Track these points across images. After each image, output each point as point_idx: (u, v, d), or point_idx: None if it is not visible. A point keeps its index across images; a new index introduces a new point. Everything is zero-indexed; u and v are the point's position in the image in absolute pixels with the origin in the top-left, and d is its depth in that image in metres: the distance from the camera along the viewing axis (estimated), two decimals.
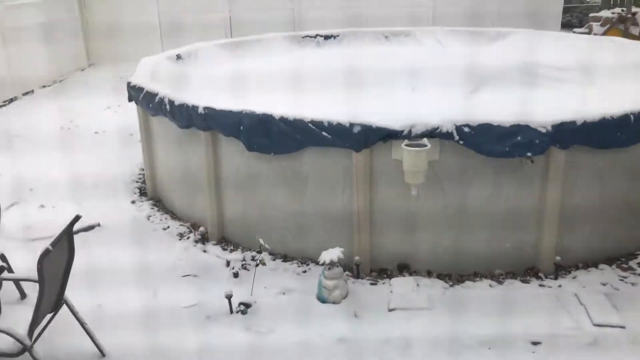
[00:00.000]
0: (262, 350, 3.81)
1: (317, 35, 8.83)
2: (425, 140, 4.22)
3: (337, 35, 8.88)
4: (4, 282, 4.23)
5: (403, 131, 4.24)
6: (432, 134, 4.24)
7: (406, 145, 4.17)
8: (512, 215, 4.50)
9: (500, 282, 4.50)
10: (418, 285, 4.44)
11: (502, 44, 8.61)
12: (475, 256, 4.60)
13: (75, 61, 14.39)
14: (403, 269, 4.68)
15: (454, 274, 4.59)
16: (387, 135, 4.29)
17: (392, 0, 14.82)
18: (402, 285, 4.44)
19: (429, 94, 5.38)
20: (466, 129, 4.22)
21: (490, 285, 4.46)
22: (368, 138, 4.31)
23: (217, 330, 4.04)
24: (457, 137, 4.23)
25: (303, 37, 8.80)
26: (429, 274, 4.62)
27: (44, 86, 12.55)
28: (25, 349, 3.20)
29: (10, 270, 4.18)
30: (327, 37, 8.84)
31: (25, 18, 12.19)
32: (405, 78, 6.61)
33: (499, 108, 4.45)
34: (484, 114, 4.35)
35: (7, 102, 11.12)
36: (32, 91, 12.06)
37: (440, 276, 4.59)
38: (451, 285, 4.47)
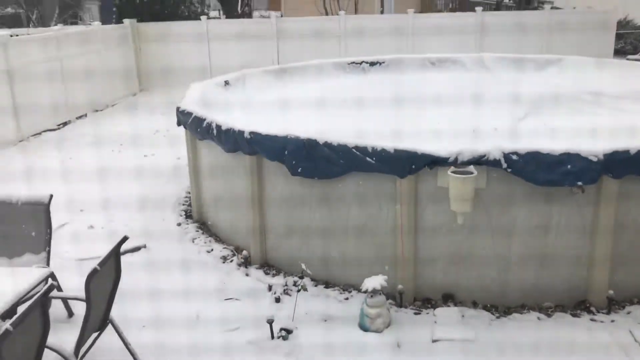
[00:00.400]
0: None
1: (362, 61, 8.89)
2: (471, 168, 4.15)
3: (383, 62, 8.92)
4: (54, 301, 4.34)
5: (449, 158, 4.19)
6: (479, 161, 4.17)
7: (452, 172, 4.12)
8: (562, 246, 4.36)
9: (549, 316, 4.35)
10: (463, 316, 4.33)
11: (551, 71, 8.48)
12: (523, 287, 4.46)
13: (127, 86, 14.88)
14: (448, 299, 4.58)
15: (501, 306, 4.46)
16: (433, 162, 4.24)
17: (439, 28, 14.84)
18: (446, 315, 4.34)
19: (476, 120, 5.32)
20: (514, 157, 4.14)
21: (539, 319, 4.31)
22: (413, 164, 4.27)
23: (258, 355, 4.02)
24: (504, 165, 4.15)
25: (349, 64, 8.88)
26: (474, 304, 4.50)
27: (96, 110, 13.00)
28: None
29: (59, 289, 4.29)
30: (372, 64, 8.89)
31: (80, 47, 12.72)
32: (451, 105, 6.58)
33: (548, 135, 4.36)
34: (533, 141, 4.26)
35: (61, 126, 11.56)
36: (85, 115, 12.50)
37: (486, 307, 4.47)
38: (497, 317, 4.34)
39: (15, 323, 2.65)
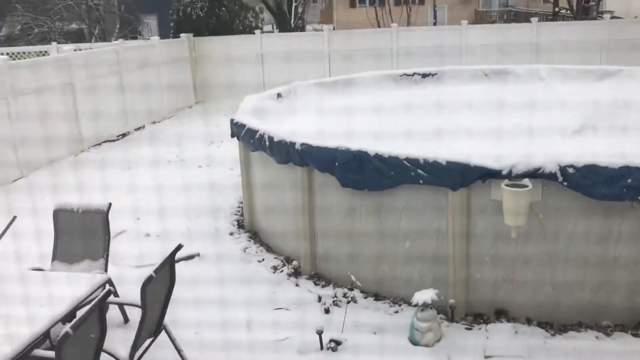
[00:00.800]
0: None
1: (414, 73, 8.84)
2: (526, 181, 4.06)
3: (435, 74, 8.84)
4: (110, 306, 4.48)
5: (502, 170, 4.11)
6: (534, 174, 4.08)
7: (506, 185, 4.04)
8: (622, 262, 4.20)
9: (609, 335, 4.18)
10: (517, 332, 4.22)
11: (609, 82, 8.21)
12: (580, 305, 4.32)
13: (184, 99, 15.28)
14: (500, 314, 4.47)
15: (556, 323, 4.32)
16: (486, 175, 4.17)
17: (493, 40, 14.63)
18: (499, 331, 4.24)
19: (531, 132, 5.21)
20: (571, 170, 4.03)
21: (597, 338, 4.15)
22: (465, 177, 4.21)
23: None
24: (561, 178, 4.04)
25: (400, 76, 8.85)
26: (528, 321, 4.38)
27: (154, 122, 13.41)
28: None
29: (116, 295, 4.43)
30: (424, 75, 8.83)
31: (139, 61, 13.16)
32: (505, 116, 6.46)
33: (607, 148, 4.22)
34: (591, 154, 4.14)
35: (120, 137, 11.97)
36: (143, 127, 12.90)
37: (540, 324, 4.34)
38: (552, 335, 4.21)
39: (74, 326, 2.75)
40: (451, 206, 4.34)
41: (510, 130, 5.80)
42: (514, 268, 4.35)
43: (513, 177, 4.09)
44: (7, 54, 14.81)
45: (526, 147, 4.59)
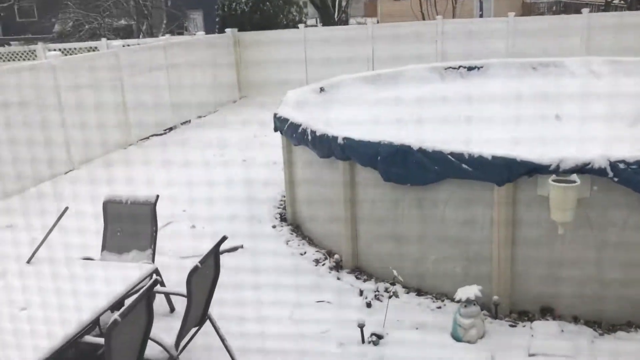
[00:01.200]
0: None
1: (460, 66, 8.71)
2: (574, 176, 3.96)
3: (482, 67, 8.69)
4: (157, 295, 4.60)
5: (550, 165, 4.02)
6: (583, 169, 3.97)
7: (553, 180, 3.95)
8: None
9: None
10: (562, 331, 4.13)
11: None
12: (630, 304, 4.19)
13: (229, 93, 15.47)
14: (546, 312, 4.39)
15: (605, 322, 4.21)
16: (533, 170, 4.09)
17: (541, 32, 14.26)
18: (544, 329, 4.16)
19: (581, 127, 5.07)
20: (622, 165, 3.90)
21: None
22: (511, 172, 4.14)
23: (348, 358, 4.05)
24: (611, 174, 3.93)
25: (445, 69, 8.74)
26: (575, 320, 4.28)
27: (199, 116, 13.62)
28: (172, 358, 3.43)
29: (162, 284, 4.54)
30: (470, 68, 8.69)
31: (185, 56, 13.38)
32: (553, 110, 6.31)
33: None
34: None
35: (167, 131, 12.21)
36: (189, 121, 13.13)
37: (588, 323, 4.23)
38: (601, 335, 4.10)
39: (123, 314, 2.83)
40: (496, 201, 4.27)
41: (557, 124, 5.66)
42: (560, 265, 4.26)
43: (561, 173, 4.00)
44: (60, 50, 15.30)
45: (574, 141, 4.48)
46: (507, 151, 4.17)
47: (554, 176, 3.98)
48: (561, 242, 4.20)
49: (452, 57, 13.82)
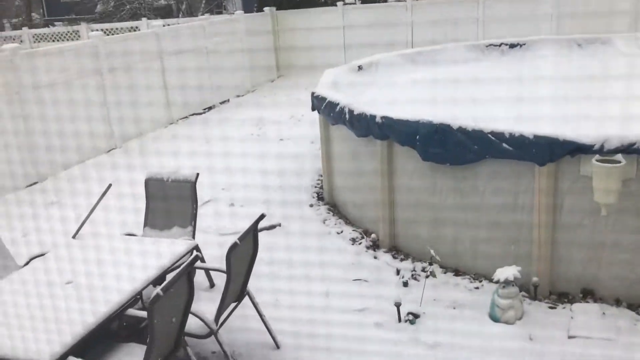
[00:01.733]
0: None
1: (501, 43, 8.53)
2: (619, 156, 3.85)
3: (524, 44, 8.48)
4: (197, 271, 4.70)
5: (594, 145, 3.92)
6: (629, 149, 3.86)
7: (597, 160, 3.85)
8: None
9: None
10: (604, 313, 4.06)
11: None
12: None
13: (267, 72, 15.51)
14: (587, 294, 4.31)
15: None
16: (576, 149, 3.99)
17: (586, 8, 13.76)
18: (585, 311, 4.10)
19: (627, 105, 4.92)
20: None
21: None
22: (554, 152, 4.05)
23: (384, 336, 4.08)
24: None
25: (487, 46, 8.56)
26: (617, 302, 4.20)
27: (238, 95, 13.72)
28: (211, 332, 3.52)
29: (202, 261, 4.63)
30: (512, 46, 8.50)
31: (223, 35, 13.44)
32: (598, 88, 6.13)
33: None
34: None
35: (206, 110, 12.35)
36: (228, 100, 13.24)
37: (631, 306, 4.15)
38: None
39: (164, 288, 2.91)
40: (538, 182, 4.19)
41: (602, 103, 5.49)
42: (603, 247, 4.17)
43: (605, 153, 3.89)
44: (102, 30, 15.56)
45: (620, 120, 4.35)
46: (550, 130, 4.08)
47: (597, 156, 3.88)
48: (604, 224, 4.11)
49: (494, 34, 13.50)
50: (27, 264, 4.08)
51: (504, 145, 4.21)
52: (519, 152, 4.18)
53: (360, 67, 7.64)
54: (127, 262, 3.79)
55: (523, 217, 4.36)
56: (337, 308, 4.46)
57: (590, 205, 4.05)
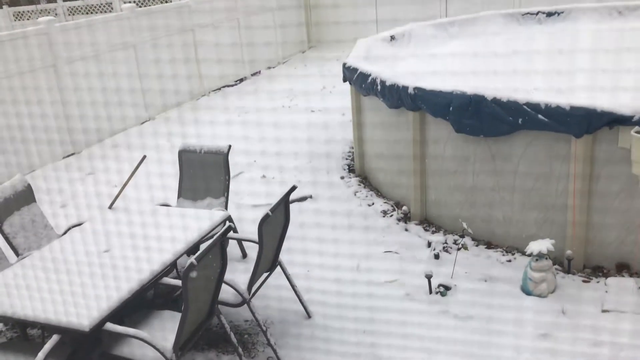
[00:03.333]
0: (457, 335, 3.78)
1: (538, 12, 8.29)
2: None
3: (562, 12, 8.23)
4: (230, 241, 4.77)
5: (634, 117, 3.81)
6: None
7: (636, 132, 3.74)
8: None
9: None
10: (639, 288, 4.00)
11: None
12: None
13: (298, 44, 15.42)
14: (622, 268, 4.24)
15: None
16: (614, 121, 3.89)
17: None
18: (620, 285, 4.04)
19: None
20: None
21: None
22: (591, 123, 3.95)
23: (415, 307, 4.09)
24: None
25: (523, 15, 8.33)
26: None
27: (269, 67, 13.69)
28: (244, 301, 3.59)
29: (235, 231, 4.70)
30: (550, 14, 8.25)
31: (253, 6, 13.36)
32: (638, 59, 5.94)
33: None
34: None
35: (237, 82, 12.37)
36: (259, 72, 13.23)
37: None
38: None
39: (198, 257, 2.97)
40: (574, 154, 4.11)
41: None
42: None
43: None
44: (134, 1, 15.62)
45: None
46: (587, 101, 3.98)
47: (637, 127, 3.78)
48: None
49: (530, 2, 13.10)
50: (65, 233, 4.20)
51: (540, 116, 4.13)
52: (555, 124, 4.09)
53: (392, 37, 7.53)
54: (161, 232, 3.87)
55: (558, 190, 4.29)
56: (368, 279, 4.49)
57: (628, 178, 3.95)
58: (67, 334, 3.03)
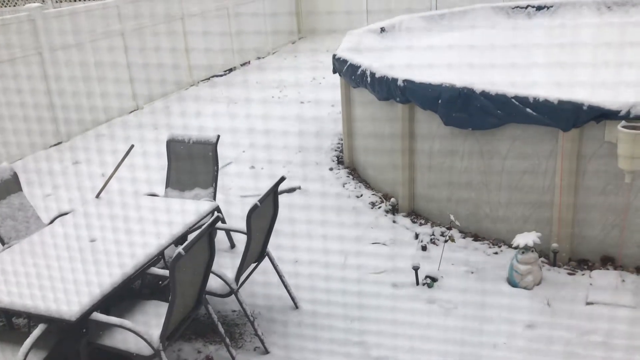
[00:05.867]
0: (443, 325, 3.81)
1: (528, 5, 8.31)
2: None
3: (551, 6, 8.26)
4: (218, 231, 4.77)
5: (620, 111, 3.84)
6: None
7: (623, 126, 3.78)
8: None
9: None
10: (623, 281, 4.05)
11: None
12: None
13: (288, 35, 15.35)
14: (607, 262, 4.29)
15: None
16: (601, 115, 3.92)
17: None
18: (604, 278, 4.09)
19: None
20: None
21: None
22: (578, 117, 3.98)
23: (402, 298, 4.12)
24: None
25: (513, 8, 8.35)
26: (637, 270, 4.18)
27: (258, 57, 13.62)
28: (232, 291, 3.59)
29: (223, 221, 4.69)
30: (539, 8, 8.28)
31: (245, 1, 13.28)
32: (627, 53, 5.98)
33: None
34: None
35: (227, 72, 12.31)
36: (249, 62, 13.17)
37: None
38: None
39: (186, 248, 2.96)
40: (561, 148, 4.14)
41: (630, 68, 5.36)
42: (625, 214, 4.13)
43: (631, 119, 3.81)
44: None
45: None
46: (574, 95, 4.01)
47: (623, 122, 3.81)
48: (628, 191, 4.06)
49: None
50: (51, 222, 4.17)
51: (528, 110, 4.15)
52: (543, 117, 4.12)
53: (383, 29, 7.52)
54: (148, 222, 3.85)
55: (545, 183, 4.33)
56: (355, 271, 4.51)
57: (614, 171, 3.99)
58: (54, 323, 3.01)
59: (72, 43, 8.47)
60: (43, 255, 3.51)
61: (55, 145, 8.16)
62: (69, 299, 3.03)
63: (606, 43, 6.38)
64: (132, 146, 4.63)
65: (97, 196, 4.37)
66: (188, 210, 4.01)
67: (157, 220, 3.85)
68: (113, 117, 9.24)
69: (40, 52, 7.92)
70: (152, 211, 4.02)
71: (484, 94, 4.36)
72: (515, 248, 4.12)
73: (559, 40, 6.88)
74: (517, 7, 8.36)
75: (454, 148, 4.78)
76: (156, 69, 10.23)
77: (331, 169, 6.56)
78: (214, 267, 3.46)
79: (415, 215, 5.30)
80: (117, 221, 3.89)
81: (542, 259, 4.35)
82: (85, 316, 2.99)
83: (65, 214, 4.21)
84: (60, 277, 3.24)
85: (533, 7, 8.29)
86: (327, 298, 4.17)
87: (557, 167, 4.21)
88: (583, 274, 4.20)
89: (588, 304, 3.87)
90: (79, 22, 8.62)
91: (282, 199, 5.79)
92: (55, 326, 3.09)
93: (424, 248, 4.69)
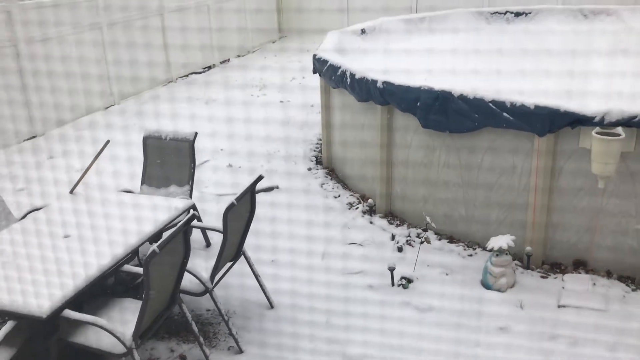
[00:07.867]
0: (418, 326, 3.83)
1: (507, 11, 8.41)
2: (619, 129, 3.85)
3: (529, 12, 8.37)
4: (194, 230, 4.73)
5: (595, 117, 3.91)
6: (629, 122, 3.85)
7: (597, 133, 3.84)
8: None
9: None
10: (595, 284, 4.12)
11: None
12: None
13: (268, 33, 15.30)
14: (579, 265, 4.36)
15: (638, 278, 4.17)
16: (576, 121, 3.98)
17: None
18: (576, 282, 4.15)
19: (630, 79, 4.89)
20: None
21: None
22: (554, 122, 4.04)
23: (377, 299, 4.13)
24: None
25: (492, 14, 8.45)
26: (608, 274, 4.25)
27: (238, 56, 13.56)
28: (207, 290, 3.56)
29: (199, 220, 4.65)
30: (517, 14, 8.39)
31: None
32: (602, 61, 6.09)
33: None
34: None
35: (206, 69, 12.22)
36: (228, 60, 13.09)
37: (621, 278, 4.20)
38: (634, 290, 4.07)
39: (161, 246, 2.93)
40: (537, 152, 4.19)
41: (604, 76, 5.45)
42: (597, 219, 4.20)
43: (605, 125, 3.88)
44: None
45: (622, 93, 4.32)
46: (550, 101, 4.06)
47: (597, 128, 3.88)
48: (600, 196, 4.13)
49: (501, 1, 13.27)
50: (24, 217, 4.09)
51: (505, 114, 4.20)
52: (519, 122, 4.17)
53: (363, 31, 7.54)
54: (123, 218, 3.81)
55: (520, 187, 4.38)
56: (331, 271, 4.51)
57: (587, 177, 4.06)
58: (24, 320, 2.96)
59: (44, 37, 8.33)
60: (14, 250, 3.45)
61: (28, 139, 8.01)
62: (39, 296, 2.97)
63: (583, 52, 6.48)
64: (108, 141, 4.58)
65: (72, 192, 4.31)
66: (163, 207, 3.97)
67: (131, 217, 3.81)
68: (87, 113, 9.10)
69: (14, 45, 7.78)
70: (126, 208, 3.97)
71: (462, 98, 4.39)
72: (490, 251, 4.17)
73: (535, 48, 6.97)
74: (496, 12, 8.45)
75: (431, 150, 4.81)
76: (133, 65, 10.10)
77: (309, 169, 6.55)
78: (189, 266, 3.44)
79: (392, 216, 5.33)
80: (90, 218, 3.83)
81: (516, 262, 4.40)
82: (56, 313, 2.94)
83: (38, 209, 4.13)
84: (31, 274, 3.18)
85: (512, 13, 8.40)
86: (303, 298, 4.16)
87: (533, 171, 4.26)
88: (555, 277, 4.26)
89: (560, 306, 3.93)
90: (55, 15, 8.47)
91: (260, 198, 5.76)
92: (26, 323, 3.04)
93: (399, 249, 4.71)
